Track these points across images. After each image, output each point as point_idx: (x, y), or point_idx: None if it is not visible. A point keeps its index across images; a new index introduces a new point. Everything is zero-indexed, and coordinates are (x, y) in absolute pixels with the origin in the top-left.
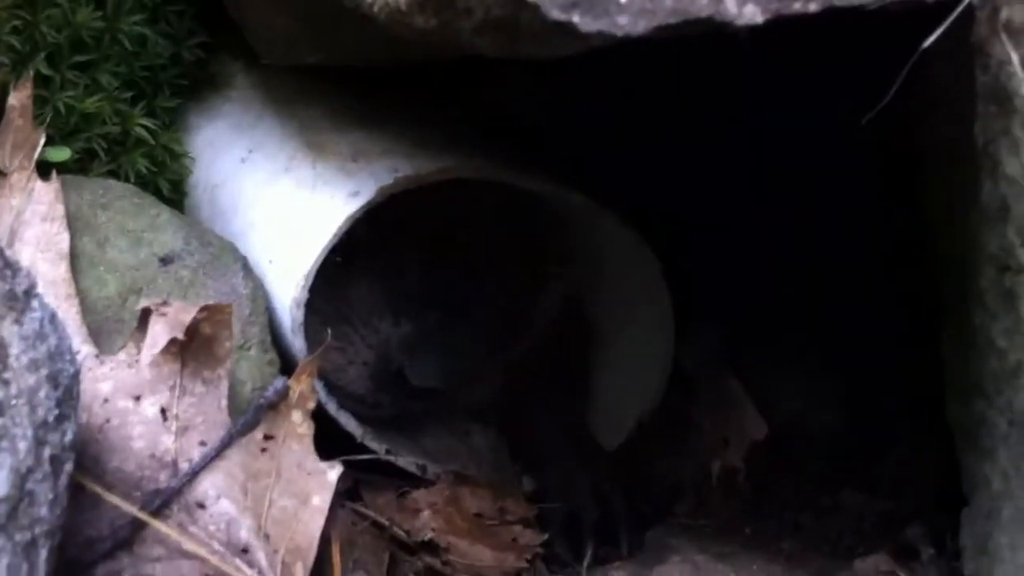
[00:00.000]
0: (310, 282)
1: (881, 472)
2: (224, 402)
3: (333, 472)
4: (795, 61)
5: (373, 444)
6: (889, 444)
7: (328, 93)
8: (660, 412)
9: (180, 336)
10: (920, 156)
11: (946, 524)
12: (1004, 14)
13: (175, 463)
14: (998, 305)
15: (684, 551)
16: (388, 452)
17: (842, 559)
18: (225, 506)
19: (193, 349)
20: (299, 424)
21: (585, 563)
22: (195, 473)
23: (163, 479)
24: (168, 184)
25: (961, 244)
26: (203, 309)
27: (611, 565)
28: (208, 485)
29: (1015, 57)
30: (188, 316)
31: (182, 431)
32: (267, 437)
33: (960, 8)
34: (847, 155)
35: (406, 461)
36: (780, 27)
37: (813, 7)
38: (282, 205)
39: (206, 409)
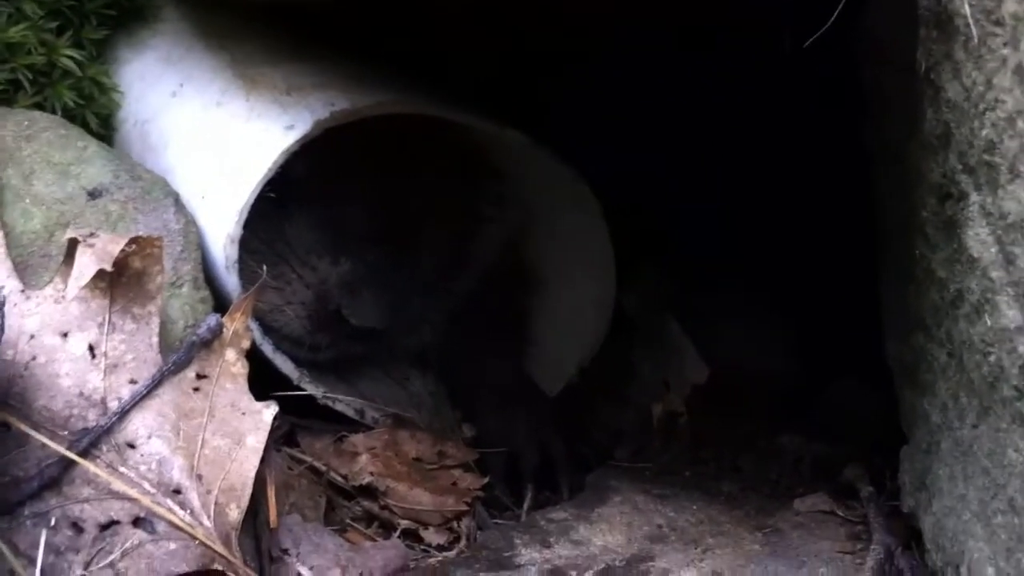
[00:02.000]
0: (244, 218)
1: (820, 414)
2: (155, 339)
3: (268, 412)
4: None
5: (310, 387)
6: (829, 387)
7: (261, 26)
8: (601, 357)
9: (108, 268)
10: (864, 97)
11: (884, 464)
12: None
13: (104, 401)
14: (939, 236)
15: (624, 492)
16: (325, 396)
17: (781, 499)
18: (156, 446)
19: (122, 284)
20: (233, 363)
21: (525, 506)
22: (125, 412)
23: (92, 418)
24: (96, 118)
25: (902, 177)
26: (132, 241)
27: (552, 507)
28: (139, 424)
29: None
30: (117, 248)
31: (111, 369)
32: (200, 376)
33: None
34: (795, 102)
35: (344, 405)
36: None
37: None
38: (214, 139)
39: (136, 346)
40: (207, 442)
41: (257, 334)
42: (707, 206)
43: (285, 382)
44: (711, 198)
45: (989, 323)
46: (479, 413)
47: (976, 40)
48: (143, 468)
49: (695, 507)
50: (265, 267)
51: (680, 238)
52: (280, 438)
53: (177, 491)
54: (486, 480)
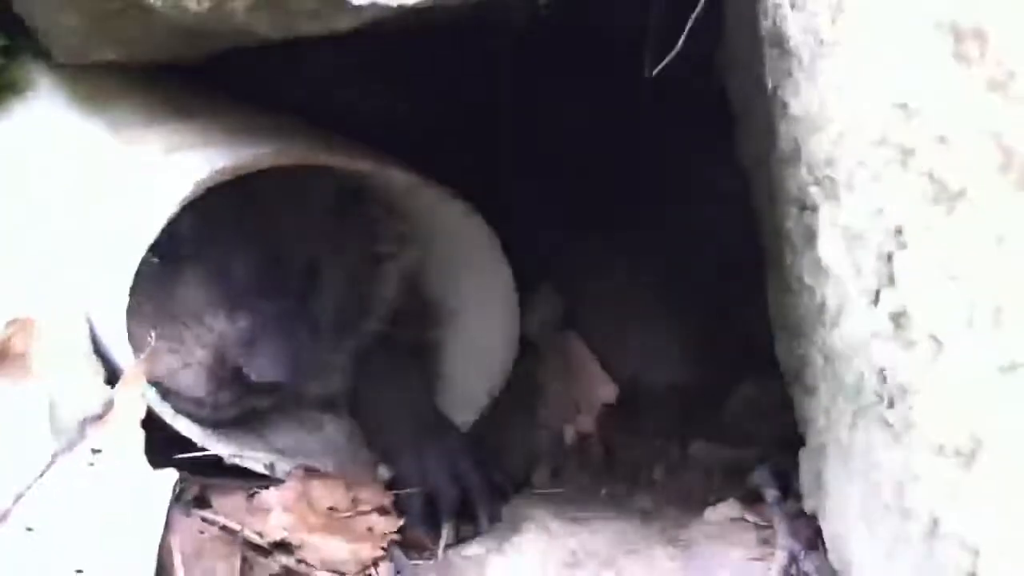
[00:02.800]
0: (129, 284)
1: (726, 420)
2: (45, 421)
3: (167, 479)
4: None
5: (217, 447)
6: (731, 392)
7: (136, 89)
8: (510, 382)
9: None
10: (731, 109)
11: (790, 465)
12: None
13: None
14: (802, 244)
15: (540, 519)
16: (232, 456)
17: (695, 510)
18: (56, 527)
19: (5, 365)
20: (128, 435)
21: (442, 543)
22: (19, 497)
23: None
24: None
25: (768, 189)
26: (10, 324)
27: (467, 542)
28: (36, 508)
29: None
30: None
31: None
32: (95, 451)
33: None
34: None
35: (252, 462)
36: None
37: None
38: (96, 207)
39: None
40: (107, 518)
41: (155, 399)
42: (592, 225)
43: (193, 444)
44: (597, 217)
45: (848, 330)
46: (394, 454)
47: (807, 60)
48: (43, 552)
49: (611, 528)
50: (154, 332)
51: (570, 259)
52: (191, 500)
53: (79, 571)
54: (402, 522)
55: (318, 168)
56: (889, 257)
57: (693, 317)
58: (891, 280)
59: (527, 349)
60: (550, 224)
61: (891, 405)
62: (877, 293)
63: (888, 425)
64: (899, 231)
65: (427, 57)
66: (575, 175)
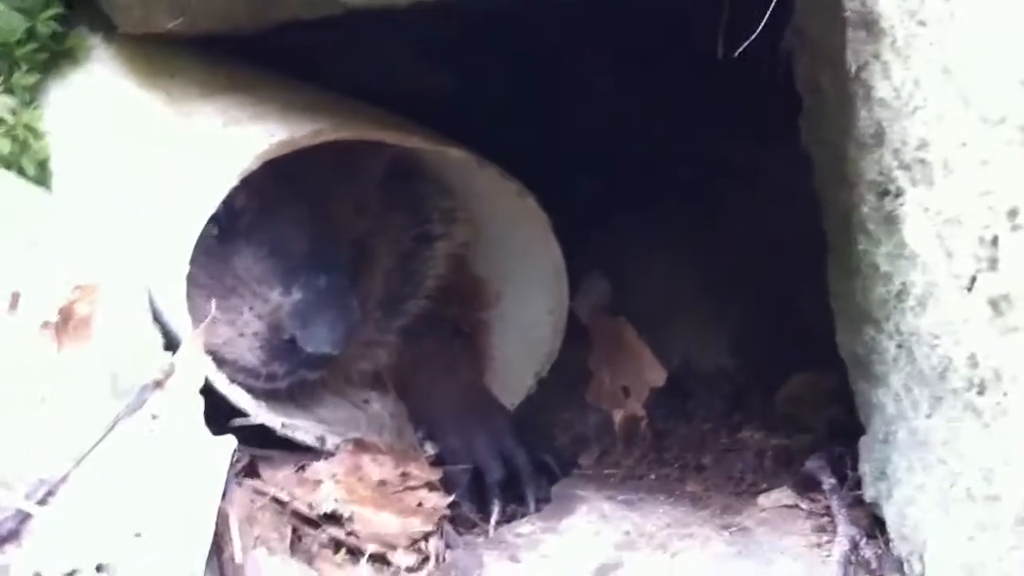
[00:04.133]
0: (189, 255)
1: (777, 407)
2: (106, 384)
3: (225, 447)
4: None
5: (268, 418)
6: (783, 379)
7: (193, 61)
8: (558, 365)
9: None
10: (799, 95)
11: (845, 453)
12: None
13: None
14: (880, 231)
15: (591, 501)
16: (284, 426)
17: (746, 496)
18: (115, 491)
19: (69, 331)
20: (186, 402)
21: (492, 521)
22: (82, 459)
23: (48, 467)
24: (32, 164)
25: (841, 174)
26: (75, 289)
27: (519, 521)
28: (97, 471)
29: None
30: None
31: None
32: (154, 417)
33: None
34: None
35: (304, 433)
36: None
37: None
38: (154, 179)
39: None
40: (166, 483)
41: (211, 369)
42: (642, 209)
43: (243, 414)
44: (646, 202)
45: (935, 316)
46: (440, 431)
47: (902, 41)
48: (102, 514)
49: (661, 511)
50: (214, 302)
51: (619, 243)
52: (241, 471)
53: (138, 535)
54: (452, 498)
55: (370, 145)
56: (994, 241)
57: (743, 303)
58: (992, 264)
59: (576, 333)
60: (601, 208)
61: (982, 392)
62: (974, 278)
63: (977, 412)
64: (1013, 213)
65: (480, 36)
66: (624, 160)
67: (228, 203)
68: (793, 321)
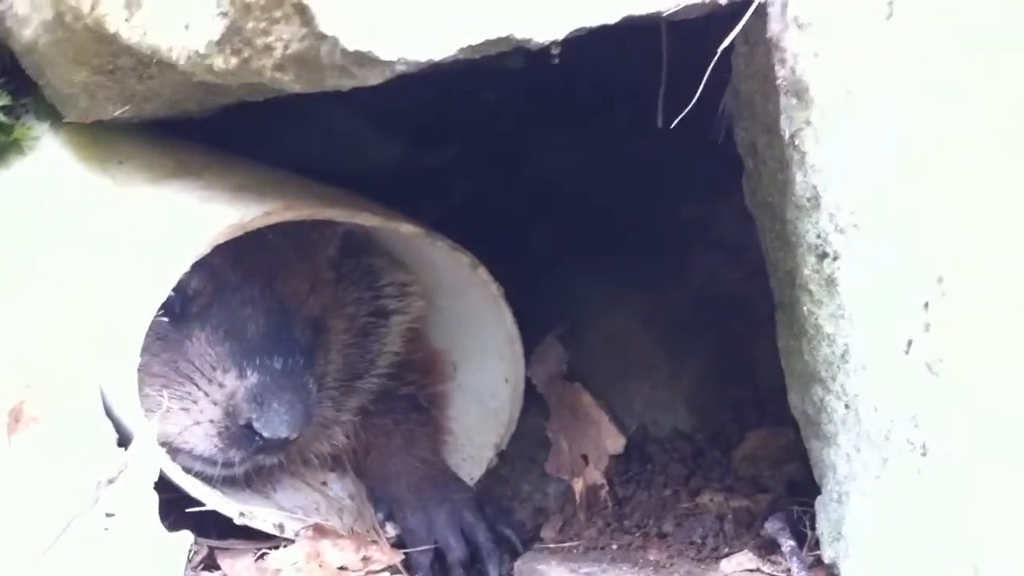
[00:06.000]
0: (140, 347)
1: (735, 467)
2: (59, 484)
3: (181, 543)
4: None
5: (225, 508)
6: (740, 436)
7: (141, 147)
8: (517, 433)
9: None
10: (742, 161)
11: (803, 513)
12: (792, 9)
13: None
14: (822, 292)
15: (554, 574)
16: (242, 515)
17: (709, 561)
18: None
19: (20, 430)
20: (141, 497)
21: None
22: (36, 560)
23: None
24: None
25: (783, 236)
26: (25, 387)
27: None
28: (51, 571)
29: (807, 48)
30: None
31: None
32: (108, 515)
33: (753, 7)
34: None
35: (262, 521)
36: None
37: (612, 19)
38: (105, 266)
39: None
40: None
41: (165, 461)
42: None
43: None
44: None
45: (877, 378)
46: (400, 511)
47: (831, 109)
48: None
49: None
50: (166, 392)
51: (574, 307)
52: (200, 563)
53: None
54: None
55: (322, 222)
56: (926, 306)
57: (698, 359)
58: (926, 327)
59: (535, 401)
60: (554, 263)
61: (924, 454)
62: (910, 342)
63: (921, 473)
64: (940, 280)
65: (429, 105)
66: (579, 222)
67: (181, 288)
68: (748, 376)
